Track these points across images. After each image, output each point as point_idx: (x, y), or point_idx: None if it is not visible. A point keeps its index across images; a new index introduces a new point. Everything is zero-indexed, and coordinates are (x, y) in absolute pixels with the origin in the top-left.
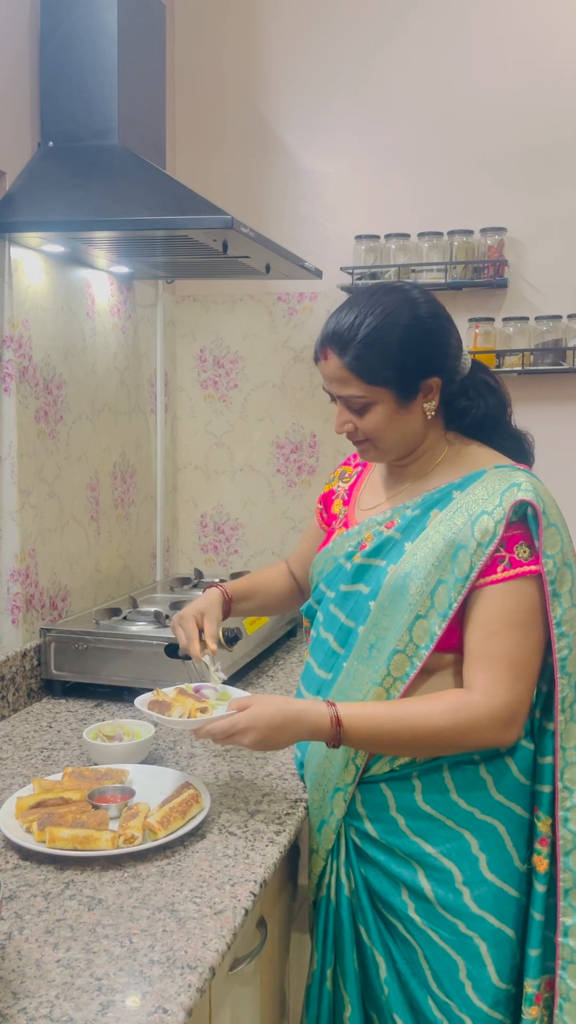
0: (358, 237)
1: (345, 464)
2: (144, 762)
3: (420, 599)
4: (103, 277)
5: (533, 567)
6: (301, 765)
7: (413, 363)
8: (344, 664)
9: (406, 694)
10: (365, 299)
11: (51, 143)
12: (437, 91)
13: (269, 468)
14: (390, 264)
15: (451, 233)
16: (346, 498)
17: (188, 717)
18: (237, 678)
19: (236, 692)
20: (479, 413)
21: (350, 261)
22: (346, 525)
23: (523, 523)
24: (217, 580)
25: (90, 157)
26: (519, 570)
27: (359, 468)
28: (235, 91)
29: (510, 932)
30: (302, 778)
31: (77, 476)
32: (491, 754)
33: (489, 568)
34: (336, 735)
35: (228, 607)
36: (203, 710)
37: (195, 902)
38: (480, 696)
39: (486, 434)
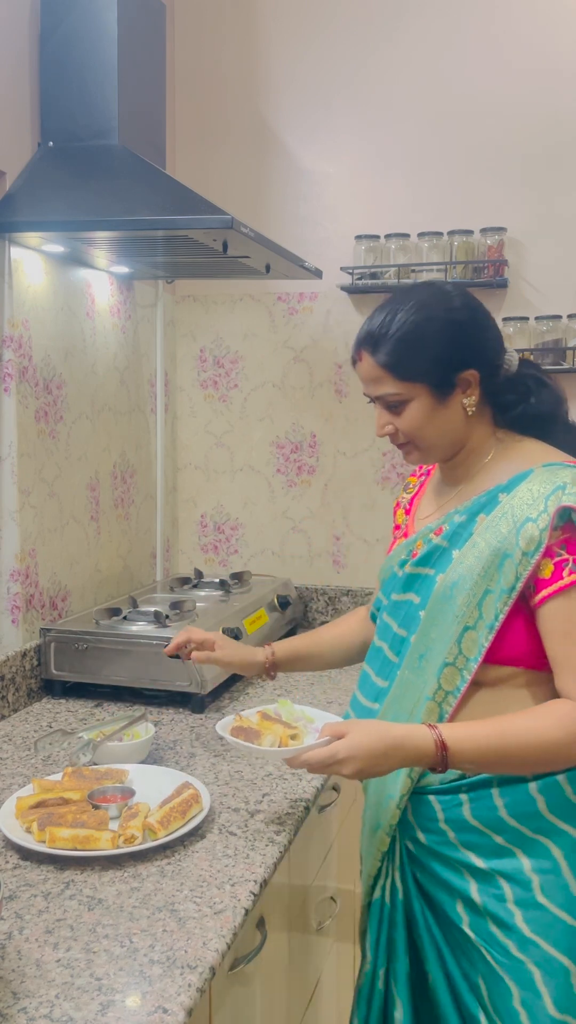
0: (358, 237)
1: (412, 475)
2: (144, 762)
3: (468, 610)
4: (103, 277)
5: None
6: None
7: (447, 355)
8: (398, 673)
9: (459, 708)
10: (398, 297)
11: (51, 143)
12: (437, 91)
13: (269, 468)
14: (390, 264)
15: (451, 233)
16: (407, 508)
17: (280, 746)
18: (237, 678)
19: (313, 712)
20: (531, 409)
21: (350, 261)
22: (405, 535)
23: (572, 528)
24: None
25: (90, 157)
26: None
27: (423, 477)
28: (235, 91)
29: (566, 962)
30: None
31: (77, 476)
32: (542, 773)
33: (554, 575)
34: (442, 759)
35: (266, 670)
36: (293, 737)
37: (195, 902)
38: None
39: (540, 430)
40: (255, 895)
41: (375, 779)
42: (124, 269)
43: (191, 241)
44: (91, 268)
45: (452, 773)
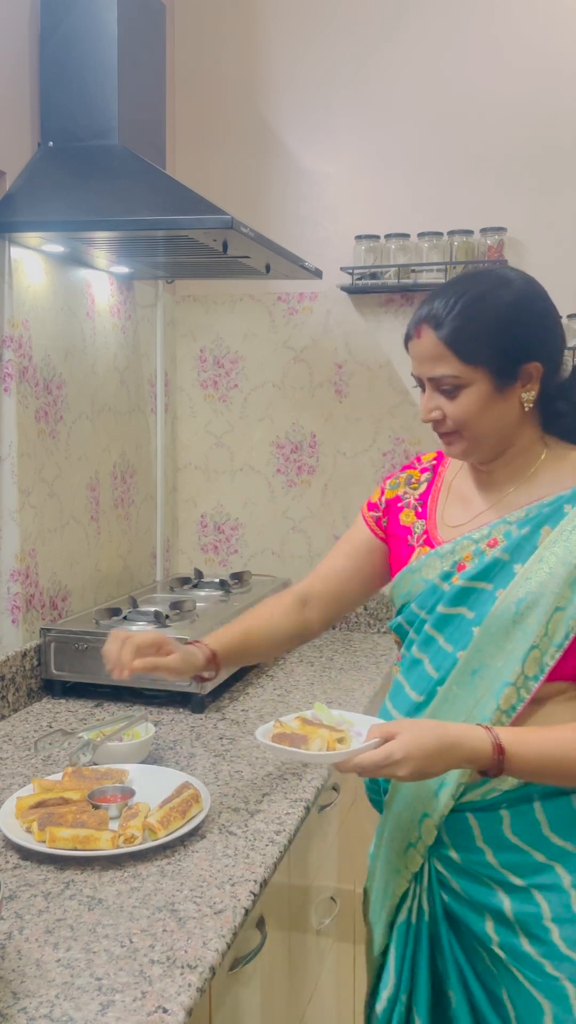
0: (358, 237)
1: (409, 468)
2: (144, 762)
3: (537, 628)
4: (103, 277)
5: None
6: (373, 780)
7: (514, 342)
8: (439, 689)
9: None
10: (465, 279)
11: (51, 143)
12: (437, 91)
13: (269, 468)
14: (390, 264)
15: (451, 233)
16: (420, 510)
17: (327, 750)
18: (237, 678)
19: (351, 716)
20: None
21: (350, 261)
22: (430, 543)
23: None
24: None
25: (90, 157)
26: None
27: (428, 474)
28: (235, 91)
29: None
30: (377, 792)
31: (77, 476)
32: None
33: None
34: (498, 763)
35: (208, 667)
36: (340, 740)
37: (195, 902)
38: None
39: None
40: (255, 895)
41: (407, 795)
42: (124, 269)
43: (191, 241)
44: (91, 268)
45: (494, 791)
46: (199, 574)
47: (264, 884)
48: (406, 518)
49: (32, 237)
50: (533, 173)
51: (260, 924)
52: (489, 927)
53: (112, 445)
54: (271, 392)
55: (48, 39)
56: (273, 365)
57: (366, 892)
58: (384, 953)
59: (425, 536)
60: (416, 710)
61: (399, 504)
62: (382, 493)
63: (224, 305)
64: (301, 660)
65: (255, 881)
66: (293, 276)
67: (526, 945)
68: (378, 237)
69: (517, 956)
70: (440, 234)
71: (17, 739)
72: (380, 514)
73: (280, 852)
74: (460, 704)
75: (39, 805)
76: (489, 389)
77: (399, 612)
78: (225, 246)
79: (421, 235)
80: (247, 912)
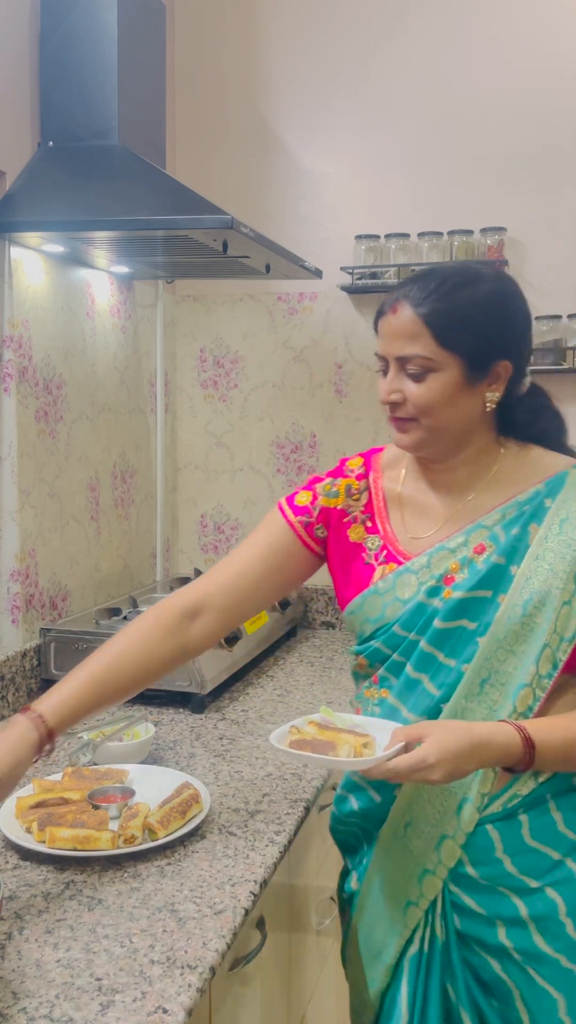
0: (358, 237)
1: (341, 476)
2: (144, 762)
3: (548, 627)
4: (103, 277)
5: None
6: (354, 813)
7: (491, 335)
8: (444, 706)
9: None
10: (446, 267)
11: (51, 143)
12: (437, 91)
13: (269, 468)
14: (390, 264)
15: (451, 233)
16: (370, 524)
17: (354, 755)
18: (237, 678)
19: (359, 719)
20: (535, 431)
21: (350, 261)
22: (395, 559)
23: None
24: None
25: (90, 157)
26: None
27: (363, 481)
28: (235, 91)
29: None
30: (358, 827)
31: (77, 476)
32: None
33: None
34: (528, 758)
35: (47, 741)
36: (366, 745)
37: (195, 902)
38: None
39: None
40: (255, 895)
41: (426, 826)
42: (124, 269)
43: (191, 241)
44: (91, 268)
45: (515, 796)
46: (199, 574)
47: (264, 884)
48: (355, 534)
49: (32, 237)
50: (533, 173)
51: (260, 924)
52: (502, 934)
53: (112, 445)
54: (271, 392)
55: (48, 39)
56: (273, 365)
57: (352, 931)
58: (384, 992)
59: (386, 553)
60: None
61: (344, 519)
62: (314, 499)
63: (224, 305)
64: (301, 660)
65: (255, 881)
66: (293, 276)
67: (542, 944)
68: (378, 237)
69: (533, 957)
70: (440, 234)
71: None
72: (312, 521)
73: (280, 852)
74: (472, 716)
75: (39, 805)
76: (459, 379)
77: (372, 636)
78: (225, 246)
79: (421, 235)
80: (247, 912)
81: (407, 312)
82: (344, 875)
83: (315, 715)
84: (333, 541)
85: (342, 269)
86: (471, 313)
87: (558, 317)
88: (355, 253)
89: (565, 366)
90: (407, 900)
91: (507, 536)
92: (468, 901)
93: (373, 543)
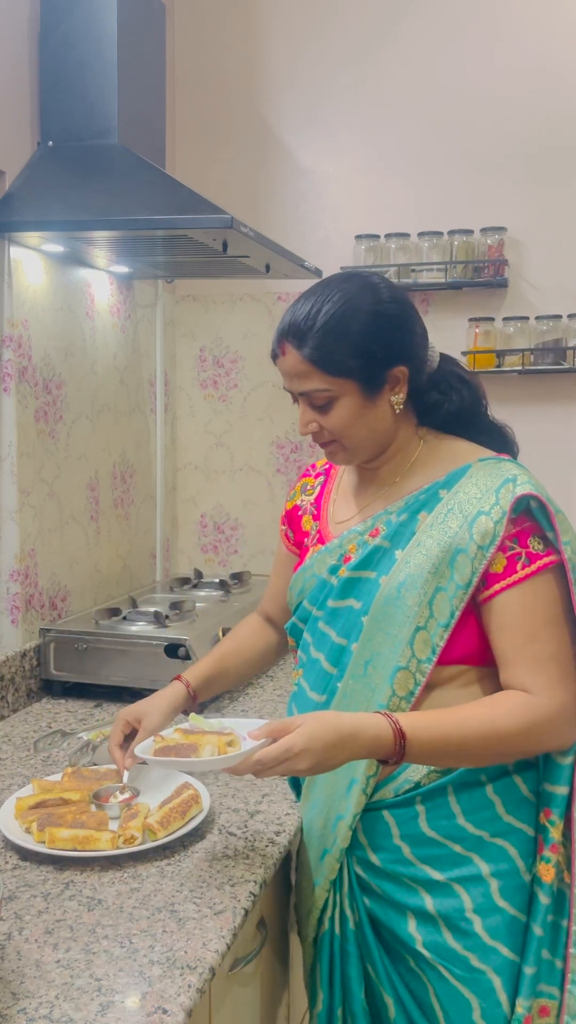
0: (358, 237)
1: (304, 476)
2: (144, 762)
3: (419, 610)
4: (103, 277)
5: (552, 557)
6: (295, 786)
7: (378, 350)
8: (339, 685)
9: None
10: (321, 288)
11: (51, 143)
12: (437, 91)
13: (269, 468)
14: (390, 264)
15: (451, 233)
16: (315, 512)
17: (218, 754)
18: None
19: (229, 722)
20: (452, 407)
21: (350, 261)
22: (321, 541)
23: (528, 516)
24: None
25: (90, 157)
26: (539, 564)
27: (321, 478)
28: (235, 91)
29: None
30: (297, 800)
31: (77, 476)
32: (497, 773)
33: (507, 568)
34: (399, 749)
35: (192, 702)
36: (230, 744)
37: (195, 902)
38: (540, 698)
39: (463, 428)
40: (255, 895)
41: (318, 800)
42: (124, 269)
43: (191, 241)
44: (91, 268)
45: (407, 783)
46: (199, 574)
47: (264, 884)
48: (306, 524)
49: (32, 237)
50: (534, 172)
51: (260, 924)
52: (412, 926)
53: (112, 445)
54: (271, 392)
55: (48, 39)
56: (273, 365)
57: (295, 909)
58: (311, 968)
59: (318, 536)
60: (317, 708)
61: (299, 513)
62: (285, 505)
63: (224, 305)
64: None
65: (255, 881)
66: (293, 276)
67: (450, 940)
68: (378, 237)
69: (442, 953)
70: (440, 234)
71: (16, 739)
72: (287, 527)
73: (280, 852)
74: (358, 696)
75: (38, 805)
76: (359, 398)
77: (295, 611)
78: (225, 246)
79: (421, 235)
80: (247, 913)
81: (293, 355)
82: None
83: (183, 724)
84: (296, 535)
85: (342, 269)
86: (352, 338)
87: (558, 317)
88: (355, 253)
89: (565, 366)
90: (314, 879)
91: (397, 521)
92: (375, 887)
93: (313, 528)
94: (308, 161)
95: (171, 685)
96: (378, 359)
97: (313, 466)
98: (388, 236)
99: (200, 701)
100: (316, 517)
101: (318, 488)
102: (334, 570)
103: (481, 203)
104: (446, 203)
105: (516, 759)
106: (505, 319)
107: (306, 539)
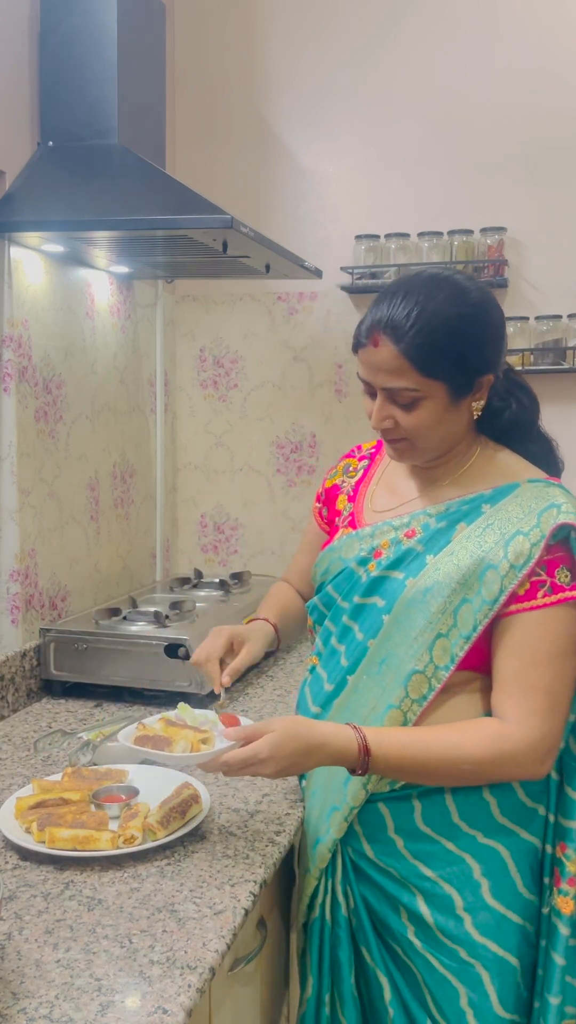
0: (358, 237)
1: (349, 456)
2: (144, 762)
3: (442, 617)
4: (103, 277)
5: (574, 593)
6: (302, 776)
7: (473, 356)
8: (350, 679)
9: (424, 715)
10: (422, 286)
11: (51, 143)
12: (437, 91)
13: (269, 468)
14: (390, 264)
15: (451, 233)
16: (352, 494)
17: (191, 751)
18: (237, 678)
19: (214, 715)
20: (512, 415)
21: (350, 261)
22: (353, 525)
23: (564, 546)
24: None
25: (90, 157)
26: (560, 596)
27: (365, 461)
28: (235, 91)
29: (514, 961)
30: (303, 790)
31: (77, 476)
32: (457, 787)
33: (528, 592)
34: (364, 763)
35: (278, 642)
36: (204, 741)
37: (195, 902)
38: (516, 728)
39: (517, 438)
40: (255, 895)
41: (316, 790)
42: (124, 269)
43: (191, 241)
44: (91, 268)
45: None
46: (199, 574)
47: (264, 884)
48: (340, 503)
49: (32, 237)
50: (533, 172)
51: (260, 924)
52: (404, 918)
53: (112, 445)
54: (271, 392)
55: (48, 39)
56: (273, 365)
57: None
58: (302, 953)
59: (350, 518)
60: (328, 699)
61: (338, 492)
62: (324, 484)
63: (224, 305)
64: (300, 660)
65: (255, 881)
66: (293, 276)
67: (440, 934)
68: (378, 237)
69: (432, 944)
70: (440, 234)
71: (16, 739)
72: (321, 505)
73: (280, 852)
74: (368, 693)
75: (39, 805)
76: (444, 402)
77: (318, 591)
78: (225, 246)
79: (421, 235)
80: (247, 912)
81: (388, 348)
82: None
83: (171, 712)
84: (329, 514)
85: (342, 269)
86: (451, 343)
87: (558, 317)
88: (355, 253)
89: (565, 366)
90: (305, 867)
91: (435, 527)
92: (370, 877)
93: (346, 509)
94: (308, 161)
95: (256, 623)
96: (472, 366)
97: (359, 447)
98: (388, 236)
99: (280, 646)
100: (352, 499)
101: (361, 472)
102: (363, 562)
103: (481, 203)
104: (446, 203)
105: (484, 783)
106: (505, 319)
107: (337, 518)
